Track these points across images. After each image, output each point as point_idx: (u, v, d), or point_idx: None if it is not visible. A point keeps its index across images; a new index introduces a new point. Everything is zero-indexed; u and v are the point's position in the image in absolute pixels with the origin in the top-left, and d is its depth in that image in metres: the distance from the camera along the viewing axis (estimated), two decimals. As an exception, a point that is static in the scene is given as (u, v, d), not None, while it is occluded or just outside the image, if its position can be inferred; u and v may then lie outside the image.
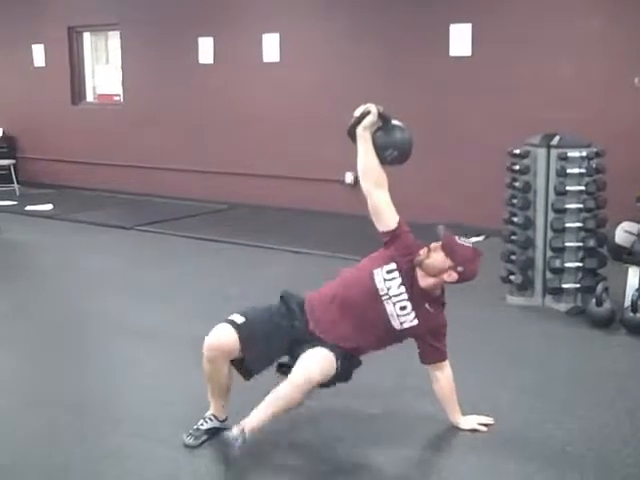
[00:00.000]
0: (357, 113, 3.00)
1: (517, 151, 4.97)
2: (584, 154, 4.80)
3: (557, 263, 4.81)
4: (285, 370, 2.92)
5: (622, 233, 5.75)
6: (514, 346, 4.27)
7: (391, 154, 3.00)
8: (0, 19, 10.61)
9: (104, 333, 4.54)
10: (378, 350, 3.07)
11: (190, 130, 9.15)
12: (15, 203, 9.00)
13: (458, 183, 7.40)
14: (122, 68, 9.79)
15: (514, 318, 4.79)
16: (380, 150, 2.99)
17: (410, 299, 2.97)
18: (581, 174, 4.79)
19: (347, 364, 2.92)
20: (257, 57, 8.47)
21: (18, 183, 9.84)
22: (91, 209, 8.69)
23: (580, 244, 4.81)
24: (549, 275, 4.89)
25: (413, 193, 7.35)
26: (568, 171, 4.78)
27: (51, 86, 10.26)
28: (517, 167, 4.94)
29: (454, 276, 2.98)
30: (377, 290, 2.97)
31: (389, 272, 2.99)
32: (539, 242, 4.92)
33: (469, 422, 3.17)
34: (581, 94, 6.68)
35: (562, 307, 4.86)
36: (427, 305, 3.00)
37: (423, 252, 3.00)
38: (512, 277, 5.01)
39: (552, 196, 4.84)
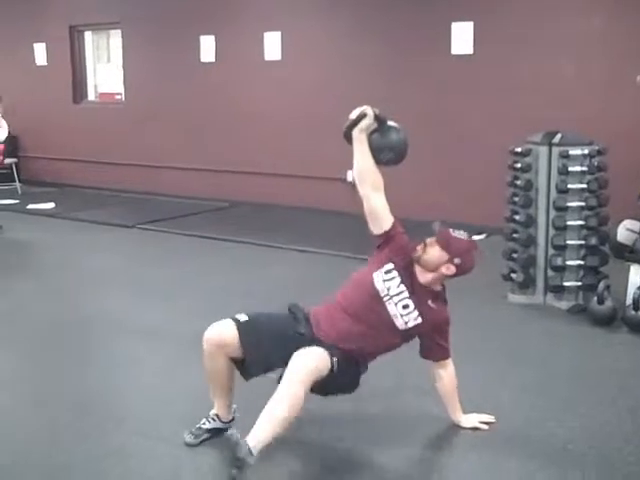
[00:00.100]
0: (353, 115, 2.99)
1: (519, 149, 4.97)
2: (586, 152, 4.80)
3: (559, 261, 4.81)
4: None
5: (624, 231, 5.74)
6: (515, 344, 4.27)
7: (387, 156, 3.00)
8: (2, 18, 10.62)
9: (106, 331, 4.54)
10: (386, 353, 3.05)
11: (192, 128, 9.15)
12: (17, 202, 9.01)
13: (459, 181, 7.40)
14: (123, 67, 9.80)
15: (515, 316, 4.79)
16: (376, 152, 2.99)
17: (411, 297, 2.96)
18: (583, 172, 4.79)
19: (346, 367, 2.85)
20: (259, 55, 8.47)
21: (20, 182, 9.86)
22: (93, 207, 8.70)
23: (582, 242, 4.80)
24: (551, 273, 4.89)
25: (415, 191, 7.37)
26: (570, 169, 4.77)
27: (53, 85, 10.27)
28: (519, 165, 4.94)
29: (452, 269, 2.98)
30: (378, 292, 2.96)
31: (387, 272, 2.99)
32: (541, 240, 4.92)
33: (470, 420, 3.17)
34: (583, 92, 6.68)
35: (564, 305, 4.86)
36: (430, 302, 3.00)
37: (420, 248, 3.00)
38: (513, 275, 5.01)
39: (554, 194, 4.83)
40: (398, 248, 3.02)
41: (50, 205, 8.76)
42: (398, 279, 2.97)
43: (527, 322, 4.68)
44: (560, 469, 2.85)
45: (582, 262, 4.81)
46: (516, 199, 4.97)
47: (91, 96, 10.53)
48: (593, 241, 4.78)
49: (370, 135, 3.00)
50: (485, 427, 3.16)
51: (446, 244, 2.99)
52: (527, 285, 4.98)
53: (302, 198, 8.21)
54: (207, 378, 3.02)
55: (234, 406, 3.11)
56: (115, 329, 4.55)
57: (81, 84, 10.38)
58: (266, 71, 8.46)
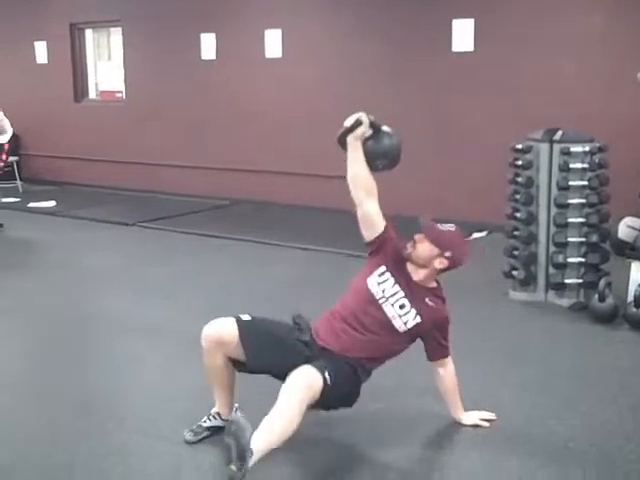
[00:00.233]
0: (348, 123, 2.97)
1: (520, 146, 4.96)
2: (587, 149, 4.79)
3: (560, 258, 4.81)
4: None
5: (625, 228, 5.75)
6: (516, 342, 4.27)
7: (382, 163, 2.99)
8: (2, 16, 10.60)
9: (106, 330, 4.54)
10: (391, 358, 3.04)
11: (192, 126, 9.14)
12: (18, 200, 9.01)
13: (460, 178, 7.39)
14: (124, 65, 9.79)
15: (516, 313, 4.79)
16: (371, 159, 2.97)
17: (407, 296, 2.95)
18: (584, 169, 4.78)
19: (344, 377, 2.82)
20: (259, 53, 8.45)
21: (21, 180, 9.86)
22: (93, 206, 8.70)
23: (583, 239, 4.80)
24: (552, 270, 4.88)
25: (416, 189, 7.36)
26: (571, 166, 4.77)
27: (53, 83, 10.26)
28: (520, 162, 4.93)
29: (444, 262, 2.98)
30: (373, 295, 2.95)
31: (380, 275, 2.98)
32: (542, 237, 4.92)
33: (471, 418, 3.17)
34: (584, 89, 6.67)
35: (565, 302, 4.86)
36: (427, 300, 2.99)
37: (410, 246, 3.00)
38: (515, 272, 5.01)
39: (555, 191, 4.83)
40: (390, 251, 3.01)
41: (51, 203, 8.76)
42: (392, 280, 2.97)
43: (528, 320, 4.68)
44: (561, 467, 2.85)
45: (583, 259, 4.81)
46: (517, 196, 4.96)
47: (92, 94, 10.52)
48: (594, 238, 4.78)
49: (364, 142, 2.99)
50: (486, 425, 3.15)
51: (435, 238, 2.98)
52: (528, 282, 4.98)
53: (303, 196, 8.20)
54: (207, 376, 3.02)
55: (236, 405, 3.11)
56: (115, 327, 4.55)
57: (82, 82, 10.37)
58: (267, 69, 8.44)
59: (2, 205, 8.49)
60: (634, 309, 4.37)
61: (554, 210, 4.83)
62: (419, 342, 3.07)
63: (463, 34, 7.19)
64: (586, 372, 3.81)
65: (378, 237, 3.01)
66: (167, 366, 3.91)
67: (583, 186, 4.78)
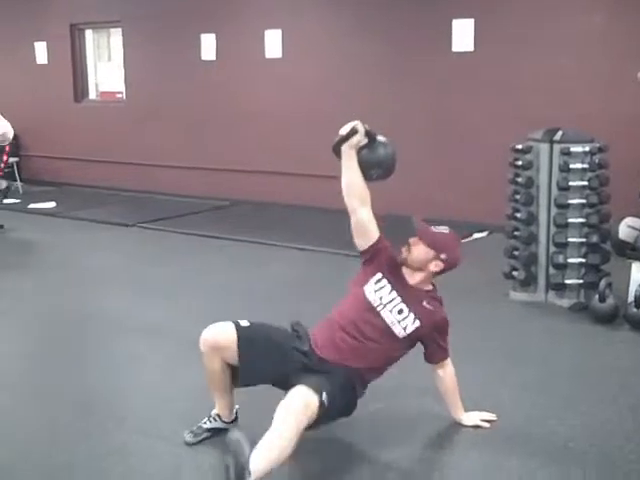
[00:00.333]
0: (343, 131, 2.96)
1: (520, 146, 4.96)
2: (587, 149, 4.79)
3: (560, 259, 4.81)
4: None
5: (625, 228, 5.74)
6: (517, 342, 4.26)
7: (377, 172, 2.99)
8: (2, 17, 10.60)
9: (106, 330, 4.54)
10: (390, 365, 3.03)
11: (192, 127, 9.14)
12: (18, 201, 9.00)
13: (460, 179, 7.38)
14: (124, 65, 9.79)
15: (517, 314, 4.79)
16: (366, 169, 2.97)
17: (404, 301, 2.95)
18: (584, 169, 4.78)
19: (341, 395, 2.80)
20: (259, 53, 8.45)
21: (21, 181, 9.85)
22: (93, 206, 8.70)
23: (583, 240, 4.80)
24: (552, 271, 4.88)
25: (416, 189, 7.36)
26: (571, 166, 4.77)
27: (54, 84, 10.26)
28: (520, 162, 4.93)
29: (440, 265, 2.98)
30: (370, 303, 2.95)
31: (377, 282, 2.98)
32: (542, 238, 4.91)
33: (471, 418, 3.17)
34: (584, 89, 6.67)
35: (565, 303, 4.85)
36: (424, 303, 2.98)
37: (404, 250, 3.00)
38: (515, 273, 5.01)
39: (555, 191, 4.83)
40: (385, 258, 3.01)
41: (51, 204, 8.76)
42: (389, 286, 2.96)
43: (528, 320, 4.68)
44: (561, 467, 2.85)
45: (583, 260, 4.81)
46: (517, 197, 4.96)
47: (92, 95, 10.52)
48: (594, 238, 4.77)
49: (359, 151, 2.98)
50: (486, 425, 3.15)
51: (430, 241, 2.98)
52: (528, 283, 4.98)
53: (302, 196, 8.20)
54: (206, 378, 3.01)
55: (236, 406, 3.11)
56: (115, 328, 4.54)
57: (82, 83, 10.37)
58: (267, 69, 8.44)
59: (2, 206, 8.49)
60: (634, 309, 4.37)
61: (554, 210, 4.83)
62: (418, 343, 3.07)
63: (463, 34, 7.19)
64: (586, 372, 3.81)
65: (372, 246, 3.00)
66: (167, 366, 3.91)
67: (583, 186, 4.78)
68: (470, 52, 7.19)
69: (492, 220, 6.38)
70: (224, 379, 2.96)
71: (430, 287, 3.07)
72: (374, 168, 2.98)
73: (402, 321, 2.94)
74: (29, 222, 7.98)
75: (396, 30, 7.58)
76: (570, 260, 4.81)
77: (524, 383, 3.65)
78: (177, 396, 3.51)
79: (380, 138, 3.01)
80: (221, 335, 2.89)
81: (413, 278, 3.01)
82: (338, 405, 2.79)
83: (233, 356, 2.87)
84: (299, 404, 2.57)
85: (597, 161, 4.79)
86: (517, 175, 4.97)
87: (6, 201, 8.85)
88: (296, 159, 8.27)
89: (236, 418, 3.11)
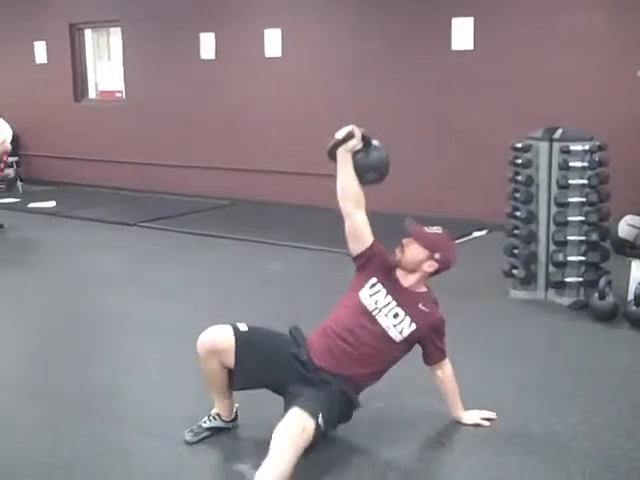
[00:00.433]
0: (339, 135, 2.96)
1: (519, 145, 4.95)
2: (587, 147, 4.78)
3: (560, 257, 4.81)
4: None
5: (625, 226, 5.74)
6: (516, 340, 4.26)
7: (372, 176, 2.99)
8: (2, 16, 10.60)
9: (107, 329, 4.55)
10: (390, 367, 3.03)
11: (192, 126, 9.14)
12: (18, 200, 9.01)
13: (460, 177, 7.38)
14: (124, 65, 9.78)
15: (517, 312, 4.79)
16: (361, 173, 2.97)
17: (400, 305, 2.94)
18: (584, 167, 4.77)
19: (337, 410, 2.81)
20: (259, 52, 8.45)
21: (21, 180, 9.85)
22: (93, 206, 8.69)
23: (583, 238, 4.80)
24: (552, 269, 4.88)
25: (416, 187, 7.35)
26: (570, 164, 4.76)
27: (53, 83, 10.26)
28: (519, 161, 4.93)
29: (434, 265, 2.98)
30: (366, 308, 2.94)
31: (372, 287, 2.97)
32: (542, 236, 4.91)
33: (471, 417, 3.17)
34: (584, 87, 6.66)
35: (565, 301, 4.86)
36: (420, 305, 2.98)
37: (398, 251, 3.00)
38: (515, 271, 5.01)
39: (555, 190, 4.82)
40: (379, 262, 3.00)
41: (51, 204, 8.76)
42: (384, 291, 2.96)
43: (528, 318, 4.68)
44: (562, 465, 2.85)
45: (583, 258, 4.81)
46: (517, 195, 4.96)
47: (92, 94, 10.52)
48: (594, 237, 4.78)
49: (354, 155, 2.97)
50: (486, 423, 3.15)
51: (424, 241, 2.98)
52: (528, 281, 4.98)
53: (304, 196, 8.19)
54: (204, 379, 3.02)
55: (236, 405, 3.11)
56: (116, 327, 4.55)
57: (81, 82, 10.36)
58: (266, 68, 8.44)
59: (2, 206, 8.50)
60: (634, 307, 4.37)
61: (554, 209, 4.83)
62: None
63: (463, 32, 7.19)
64: (586, 370, 3.81)
65: (366, 250, 3.00)
66: (167, 365, 3.91)
67: (583, 184, 4.77)
68: (470, 51, 7.19)
69: (492, 218, 6.38)
70: (222, 380, 2.97)
71: (425, 289, 3.06)
72: (369, 172, 2.98)
73: (398, 325, 2.93)
74: (29, 221, 7.98)
75: (396, 29, 7.58)
76: (570, 258, 4.81)
77: (524, 381, 3.65)
78: (177, 395, 3.52)
79: (374, 142, 3.01)
80: (219, 338, 2.89)
81: (407, 280, 3.00)
82: (334, 422, 2.81)
83: (230, 359, 2.88)
84: (296, 429, 2.56)
85: (597, 159, 4.78)
86: (517, 173, 4.97)
87: (6, 200, 8.87)
88: (296, 158, 8.27)
89: (236, 417, 3.12)
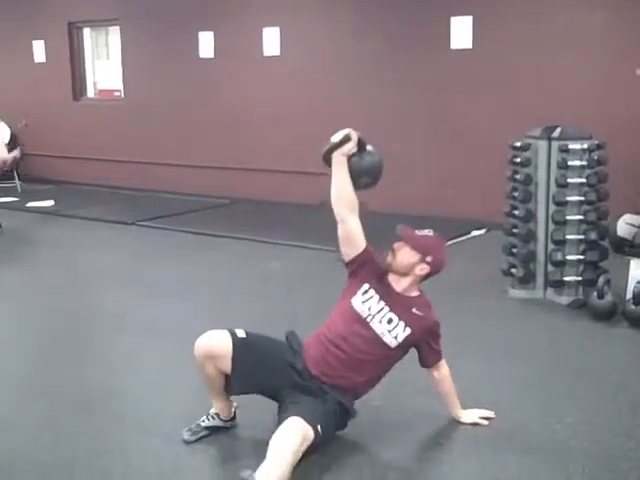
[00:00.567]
0: (335, 139, 2.95)
1: (518, 143, 4.95)
2: (585, 146, 4.78)
3: (558, 256, 4.81)
4: None
5: (624, 225, 5.76)
6: (515, 339, 4.26)
7: (366, 180, 2.98)
8: (0, 15, 10.59)
9: (106, 329, 4.55)
10: (385, 373, 3.03)
11: (191, 125, 9.14)
12: (16, 199, 8.99)
13: (459, 176, 7.38)
14: (122, 63, 9.78)
15: (515, 311, 4.79)
16: (356, 177, 2.96)
17: (393, 310, 2.94)
18: (582, 166, 4.77)
19: (334, 421, 2.83)
20: (257, 51, 8.45)
21: (19, 179, 9.84)
22: (92, 205, 8.69)
23: (581, 237, 4.80)
24: (550, 268, 4.88)
25: (415, 187, 7.36)
26: (569, 163, 4.76)
27: (52, 82, 10.25)
28: (518, 159, 4.93)
29: (426, 268, 2.97)
30: (359, 315, 2.94)
31: (364, 293, 2.97)
32: (540, 235, 4.91)
33: (470, 416, 3.17)
34: (583, 86, 6.67)
35: (564, 300, 4.86)
36: (414, 310, 2.97)
37: (389, 256, 2.99)
38: (514, 270, 5.01)
39: (553, 188, 4.82)
40: (371, 268, 3.00)
41: (49, 203, 8.75)
42: (376, 296, 2.96)
43: (527, 317, 4.68)
44: (561, 464, 2.85)
45: (582, 257, 4.81)
46: (516, 194, 4.96)
47: (90, 93, 10.52)
48: (593, 236, 4.78)
49: (349, 159, 2.96)
50: (485, 423, 3.15)
51: (415, 244, 2.98)
52: (527, 280, 4.98)
53: (303, 195, 8.18)
54: (202, 380, 3.02)
55: (234, 404, 3.11)
56: (116, 326, 4.54)
57: (80, 81, 10.36)
58: (265, 67, 8.44)
59: (1, 205, 8.49)
60: (633, 306, 4.37)
61: (553, 207, 4.83)
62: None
63: (462, 31, 7.19)
64: (585, 369, 3.81)
65: (359, 256, 2.99)
66: (166, 364, 3.90)
67: (581, 183, 4.78)
68: (469, 49, 7.19)
69: (491, 217, 6.38)
70: (219, 384, 2.97)
71: (417, 293, 3.05)
72: (363, 176, 2.98)
73: (393, 330, 2.93)
74: (28, 220, 7.98)
75: (394, 28, 7.58)
76: (568, 257, 4.81)
77: (523, 380, 3.65)
78: (176, 395, 3.51)
79: (368, 147, 3.01)
80: (216, 344, 2.89)
81: (400, 284, 3.00)
82: (330, 432, 2.82)
83: (226, 365, 2.87)
84: (297, 438, 2.56)
85: (595, 158, 4.78)
86: (515, 172, 4.97)
87: (5, 199, 8.85)
88: (295, 157, 8.26)
89: (234, 416, 3.12)
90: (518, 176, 4.93)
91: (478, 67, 7.16)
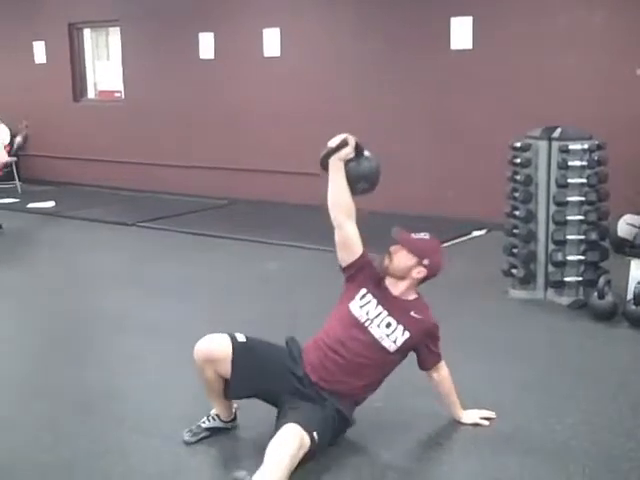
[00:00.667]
0: (333, 144, 2.94)
1: (518, 144, 4.95)
2: (585, 146, 4.78)
3: (559, 256, 4.81)
4: None
5: (624, 226, 5.75)
6: (516, 340, 4.26)
7: (363, 186, 2.97)
8: (1, 16, 10.59)
9: (107, 330, 4.54)
10: (384, 378, 3.03)
11: (191, 126, 9.14)
12: (17, 200, 8.99)
13: (459, 176, 7.37)
14: (123, 64, 9.78)
15: (516, 311, 4.78)
16: (353, 182, 2.95)
17: (391, 314, 2.93)
18: (582, 166, 4.77)
19: (331, 428, 2.83)
20: (258, 52, 8.45)
21: (20, 180, 9.84)
22: (92, 206, 8.69)
23: (582, 237, 4.79)
24: (551, 268, 4.88)
25: (416, 187, 7.35)
26: (569, 163, 4.76)
27: (52, 83, 10.25)
28: (518, 160, 4.93)
29: (422, 271, 2.96)
30: (357, 319, 2.93)
31: (362, 298, 2.96)
32: (541, 235, 4.91)
33: (471, 416, 3.16)
34: (583, 86, 6.66)
35: (564, 300, 4.85)
36: (412, 313, 2.97)
37: (386, 259, 2.98)
38: (514, 271, 5.01)
39: (554, 189, 4.82)
40: (368, 273, 3.00)
41: (50, 204, 8.75)
42: (374, 301, 2.95)
43: (528, 318, 4.68)
44: (561, 465, 2.85)
45: (582, 257, 4.81)
46: (516, 194, 4.96)
47: (91, 94, 10.51)
48: (593, 236, 4.77)
49: (346, 164, 2.95)
50: (485, 423, 3.15)
51: (412, 247, 2.97)
52: (528, 280, 4.98)
53: (301, 195, 8.18)
54: (202, 384, 3.02)
55: (235, 405, 3.11)
56: (116, 327, 4.54)
57: (80, 82, 10.36)
58: (265, 68, 8.44)
59: (1, 206, 8.49)
60: (633, 307, 4.37)
61: (553, 208, 4.83)
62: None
63: (462, 32, 7.19)
64: (586, 370, 3.81)
65: (356, 261, 2.99)
66: (167, 366, 3.90)
67: (582, 184, 4.77)
68: (469, 50, 7.19)
69: (491, 218, 6.38)
70: (219, 387, 2.96)
71: (415, 296, 3.05)
72: (360, 182, 2.96)
73: (391, 334, 2.92)
74: (28, 221, 7.98)
75: (394, 28, 7.58)
76: (569, 258, 4.81)
77: (524, 380, 3.65)
78: (177, 396, 3.51)
79: (366, 153, 3.00)
80: (215, 348, 2.89)
81: (397, 288, 2.99)
82: (328, 439, 2.82)
83: (226, 369, 2.87)
84: (294, 442, 2.56)
85: (596, 158, 4.78)
86: (516, 173, 4.97)
87: (5, 201, 8.85)
88: (295, 158, 8.25)
89: (235, 418, 3.12)
90: (518, 176, 4.93)
91: (478, 67, 7.16)
